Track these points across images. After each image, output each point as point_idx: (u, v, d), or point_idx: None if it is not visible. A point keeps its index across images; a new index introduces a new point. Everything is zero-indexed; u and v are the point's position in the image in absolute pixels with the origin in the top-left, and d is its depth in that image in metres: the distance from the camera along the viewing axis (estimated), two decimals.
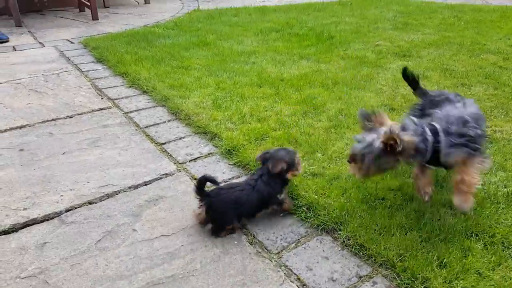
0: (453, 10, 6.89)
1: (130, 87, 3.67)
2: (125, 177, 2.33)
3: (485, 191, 2.11)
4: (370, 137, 1.75)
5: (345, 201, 2.04)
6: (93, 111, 3.21)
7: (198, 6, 7.49)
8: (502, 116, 2.98)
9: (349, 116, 2.98)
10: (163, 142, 2.71)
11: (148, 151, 2.60)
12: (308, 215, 1.98)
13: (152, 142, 2.72)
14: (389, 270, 1.66)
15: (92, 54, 4.63)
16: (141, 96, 3.47)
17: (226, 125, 2.82)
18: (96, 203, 2.13)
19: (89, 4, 6.41)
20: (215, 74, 3.82)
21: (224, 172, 2.37)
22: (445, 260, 1.65)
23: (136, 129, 2.90)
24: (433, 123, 1.78)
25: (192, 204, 2.01)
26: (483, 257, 1.68)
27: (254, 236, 1.90)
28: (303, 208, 2.02)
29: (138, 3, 8.06)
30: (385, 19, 6.21)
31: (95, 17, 6.43)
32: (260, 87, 3.52)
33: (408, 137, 1.69)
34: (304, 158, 2.44)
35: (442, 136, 1.72)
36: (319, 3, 7.45)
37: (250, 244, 1.84)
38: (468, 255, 1.69)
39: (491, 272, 1.61)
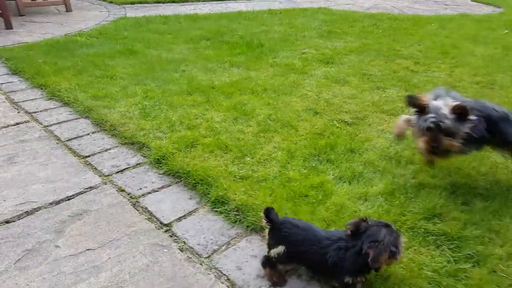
0: (373, 19, 7.48)
1: (50, 99, 3.45)
2: (46, 193, 2.19)
3: (396, 182, 2.33)
4: (437, 109, 1.92)
5: (272, 200, 2.13)
6: (8, 126, 2.97)
7: (125, 14, 7.27)
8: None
9: (277, 121, 3.10)
10: (87, 155, 2.60)
11: (70, 165, 2.48)
12: (238, 217, 2.04)
13: (75, 156, 2.59)
14: None
15: (6, 65, 4.27)
16: (62, 108, 3.28)
17: (155, 134, 2.78)
18: (14, 221, 1.99)
19: (0, 12, 5.90)
20: (142, 83, 3.75)
21: (154, 182, 2.33)
22: None
23: (57, 143, 2.74)
24: None
25: (118, 217, 1.96)
26: None
27: (184, 242, 1.90)
28: (233, 211, 2.07)
29: (59, 11, 7.60)
30: (311, 28, 6.55)
31: (8, 26, 5.93)
32: (190, 95, 3.53)
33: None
34: (234, 162, 2.50)
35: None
36: (249, 12, 7.64)
37: (181, 251, 1.84)
38: None
39: None
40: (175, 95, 3.48)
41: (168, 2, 8.77)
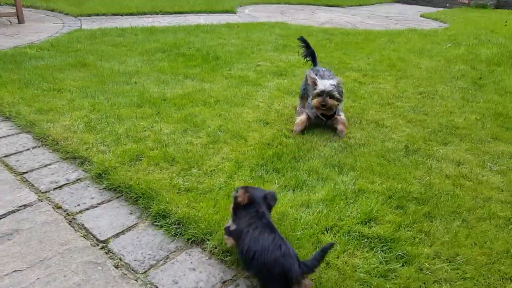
0: (326, 33, 7.76)
1: None
2: None
3: (337, 189, 2.40)
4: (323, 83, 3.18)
5: (214, 212, 2.12)
6: None
7: (81, 26, 7.11)
8: (356, 125, 3.45)
9: (226, 132, 3.12)
10: (25, 171, 2.49)
11: (5, 182, 2.36)
12: (179, 230, 2.02)
13: (11, 172, 2.47)
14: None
15: None
16: (2, 123, 3.14)
17: (98, 148, 2.72)
18: None
19: None
20: (91, 95, 3.66)
21: (93, 197, 2.27)
22: (299, 254, 1.83)
23: None
24: None
25: (52, 235, 1.88)
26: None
27: (121, 259, 1.85)
28: (174, 224, 2.05)
29: (11, 23, 7.32)
30: (267, 41, 6.69)
31: None
32: (140, 107, 3.48)
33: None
34: (180, 174, 2.48)
35: None
36: (207, 25, 7.71)
37: (116, 268, 1.79)
38: (318, 247, 1.90)
39: (336, 259, 1.84)
40: (124, 107, 3.43)
41: (126, 14, 8.68)
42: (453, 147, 3.09)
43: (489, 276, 1.79)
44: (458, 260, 1.87)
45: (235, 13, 10.02)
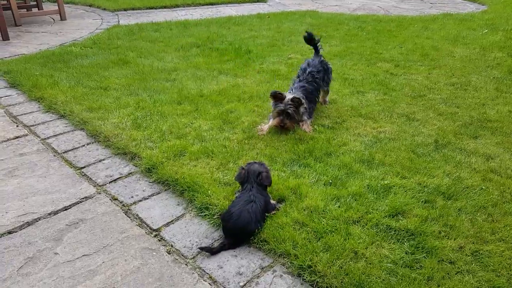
0: (358, 21, 7.69)
1: (47, 112, 3.66)
2: (45, 204, 2.40)
3: (367, 184, 2.54)
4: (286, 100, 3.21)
5: None
6: (8, 140, 3.17)
7: (118, 22, 7.46)
8: (387, 118, 3.53)
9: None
10: (83, 166, 2.81)
11: (67, 176, 2.68)
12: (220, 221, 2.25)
13: (71, 167, 2.80)
14: (285, 259, 1.98)
15: (4, 79, 4.47)
16: (58, 121, 3.49)
17: (146, 144, 2.99)
18: (16, 232, 2.19)
19: None
20: (135, 93, 3.95)
21: (145, 190, 2.54)
22: (329, 244, 2.02)
23: (54, 155, 2.94)
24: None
25: (112, 224, 2.17)
26: (359, 238, 2.08)
27: (172, 245, 2.11)
28: (216, 215, 2.28)
29: (54, 20, 7.79)
30: (298, 32, 6.75)
31: (5, 37, 6.13)
32: (180, 104, 3.73)
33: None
34: (219, 169, 2.71)
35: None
36: (239, 17, 7.85)
37: (168, 254, 2.05)
38: (349, 238, 2.07)
39: (365, 250, 2.01)
40: (165, 104, 3.69)
41: (160, 7, 8.97)
42: (483, 141, 3.12)
43: None
44: (482, 253, 1.98)
45: (265, 2, 10.06)
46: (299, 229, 2.14)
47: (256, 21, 7.58)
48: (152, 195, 2.50)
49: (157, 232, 2.20)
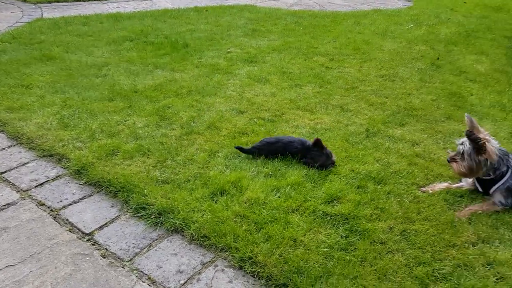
0: (295, 16, 7.86)
1: None
2: None
3: (306, 174, 2.61)
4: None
5: (192, 200, 2.29)
6: None
7: (42, 15, 6.88)
8: (323, 110, 3.66)
9: (200, 123, 3.25)
10: (3, 170, 2.56)
11: None
12: (159, 220, 2.18)
13: None
14: (226, 253, 1.97)
15: None
16: None
17: (74, 144, 2.80)
18: None
19: None
20: (61, 90, 3.67)
21: (74, 193, 2.38)
22: (269, 234, 2.04)
23: None
24: None
25: (39, 230, 2.00)
26: (298, 226, 2.13)
27: (107, 249, 2.00)
28: (154, 214, 2.20)
29: None
30: (237, 26, 6.74)
31: None
32: (112, 100, 3.54)
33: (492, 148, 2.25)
34: (156, 167, 2.62)
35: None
36: (175, 10, 7.63)
37: (103, 257, 1.94)
38: (288, 227, 2.12)
39: (303, 237, 2.06)
40: (95, 102, 3.48)
41: (90, 0, 8.42)
42: (409, 128, 3.36)
43: (435, 244, 2.07)
44: (409, 232, 2.14)
45: None
46: (240, 221, 2.14)
47: (193, 14, 7.43)
48: (83, 198, 2.35)
49: (90, 236, 2.07)
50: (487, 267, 1.92)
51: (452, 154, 2.43)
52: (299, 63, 5.00)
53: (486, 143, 2.25)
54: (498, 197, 2.32)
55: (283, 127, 3.28)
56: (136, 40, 5.52)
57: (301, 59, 5.16)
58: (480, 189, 2.43)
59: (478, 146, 2.26)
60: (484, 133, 2.32)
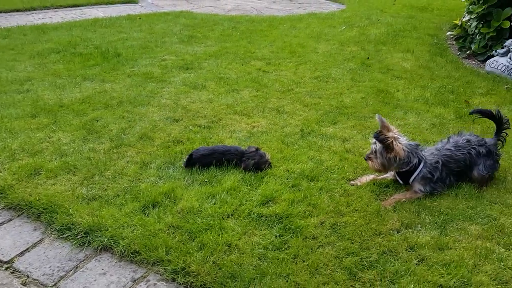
0: (232, 21, 7.91)
1: None
2: None
3: (243, 178, 2.61)
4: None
5: (121, 216, 2.20)
6: None
7: None
8: (260, 113, 3.70)
9: (131, 135, 3.14)
10: None
11: None
12: (86, 239, 2.06)
13: None
14: (159, 266, 1.91)
15: None
16: None
17: None
18: None
19: None
20: None
21: None
22: (203, 242, 2.01)
23: None
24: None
25: None
26: (233, 231, 2.12)
27: (28, 276, 1.85)
28: (81, 234, 2.08)
29: None
30: (172, 33, 6.63)
31: None
32: (35, 117, 3.31)
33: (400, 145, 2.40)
34: (83, 184, 2.48)
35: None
36: (106, 19, 7.34)
37: (23, 285, 1.80)
38: (222, 233, 2.10)
39: (238, 241, 2.06)
40: (16, 119, 3.23)
41: (11, 11, 7.85)
42: (340, 126, 3.51)
43: (363, 234, 2.16)
44: (339, 225, 2.22)
45: (137, 3, 9.64)
46: (173, 233, 2.09)
47: (126, 22, 7.20)
48: (2, 224, 2.16)
49: (8, 265, 1.91)
50: (409, 251, 2.05)
51: (368, 152, 2.58)
52: (236, 68, 5.02)
53: (394, 141, 2.41)
54: (417, 186, 2.49)
55: (219, 133, 3.27)
56: (63, 52, 5.23)
57: (238, 64, 5.20)
58: (400, 181, 2.60)
59: (386, 145, 2.42)
60: (393, 131, 2.48)
